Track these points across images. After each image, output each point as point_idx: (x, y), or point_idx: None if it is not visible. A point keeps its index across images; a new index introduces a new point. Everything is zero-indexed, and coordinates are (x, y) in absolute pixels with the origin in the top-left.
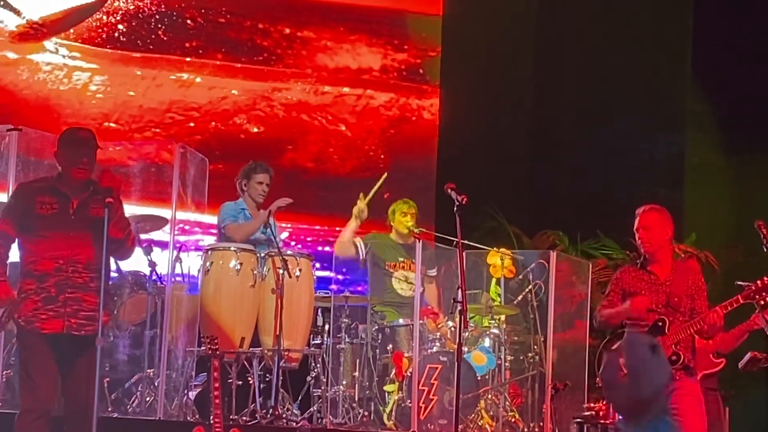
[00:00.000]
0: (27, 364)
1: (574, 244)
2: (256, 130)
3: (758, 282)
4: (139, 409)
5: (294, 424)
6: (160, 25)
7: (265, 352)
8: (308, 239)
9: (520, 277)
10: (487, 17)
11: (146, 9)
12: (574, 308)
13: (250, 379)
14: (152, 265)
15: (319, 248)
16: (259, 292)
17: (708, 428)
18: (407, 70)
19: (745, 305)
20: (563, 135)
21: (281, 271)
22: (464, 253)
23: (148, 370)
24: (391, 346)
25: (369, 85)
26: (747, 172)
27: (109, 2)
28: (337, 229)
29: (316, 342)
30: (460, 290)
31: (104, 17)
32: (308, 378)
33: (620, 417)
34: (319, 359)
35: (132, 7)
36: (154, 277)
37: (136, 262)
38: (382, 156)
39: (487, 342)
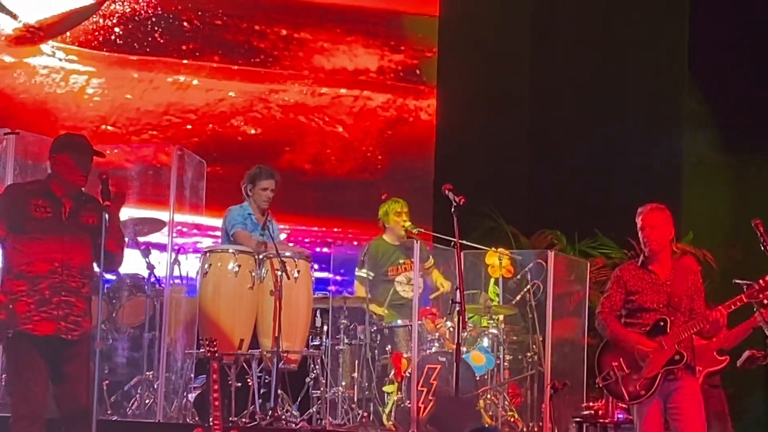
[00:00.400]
0: (19, 369)
1: (572, 243)
2: (253, 132)
3: (761, 281)
4: (138, 412)
5: (293, 425)
6: (156, 28)
7: (264, 353)
8: (306, 240)
9: (518, 276)
10: (484, 17)
11: (143, 12)
12: (573, 306)
13: (249, 380)
14: (150, 267)
15: (318, 249)
16: (257, 294)
17: (714, 425)
18: (404, 71)
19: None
20: (560, 134)
21: (279, 273)
22: (462, 254)
23: (147, 373)
24: (389, 346)
25: (366, 86)
26: (745, 171)
27: (105, 5)
28: (335, 230)
29: (314, 343)
30: (458, 291)
31: (101, 20)
32: (307, 379)
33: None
34: (318, 360)
35: (128, 10)
36: (152, 280)
37: (134, 264)
38: (380, 157)
39: (485, 342)
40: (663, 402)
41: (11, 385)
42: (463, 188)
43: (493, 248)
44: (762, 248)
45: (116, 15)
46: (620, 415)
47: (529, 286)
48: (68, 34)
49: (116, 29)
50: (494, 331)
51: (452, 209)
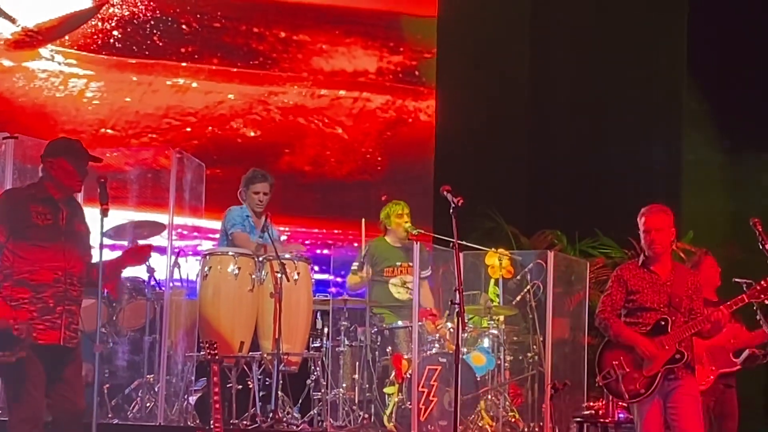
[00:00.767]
0: (20, 374)
1: (573, 243)
2: (252, 134)
3: (763, 282)
4: (139, 415)
5: (294, 427)
6: (155, 31)
7: (265, 356)
8: (306, 242)
9: (519, 277)
10: (482, 18)
11: (141, 15)
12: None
13: (249, 383)
14: (150, 270)
15: (318, 251)
16: (257, 297)
17: (725, 423)
18: (403, 72)
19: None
20: (560, 135)
21: (279, 275)
22: (462, 254)
23: (148, 376)
24: (390, 348)
25: (365, 87)
26: (744, 170)
27: (104, 9)
28: (336, 231)
29: (315, 345)
30: (457, 292)
31: (99, 24)
32: (308, 381)
33: None
34: (319, 362)
35: (127, 13)
36: (152, 283)
37: (134, 268)
38: (379, 158)
39: (486, 343)
40: (663, 401)
41: (12, 390)
42: (462, 189)
43: (493, 249)
44: (761, 247)
45: (115, 18)
46: (621, 415)
47: (529, 287)
48: (67, 37)
49: (115, 32)
50: (495, 331)
51: (451, 210)
